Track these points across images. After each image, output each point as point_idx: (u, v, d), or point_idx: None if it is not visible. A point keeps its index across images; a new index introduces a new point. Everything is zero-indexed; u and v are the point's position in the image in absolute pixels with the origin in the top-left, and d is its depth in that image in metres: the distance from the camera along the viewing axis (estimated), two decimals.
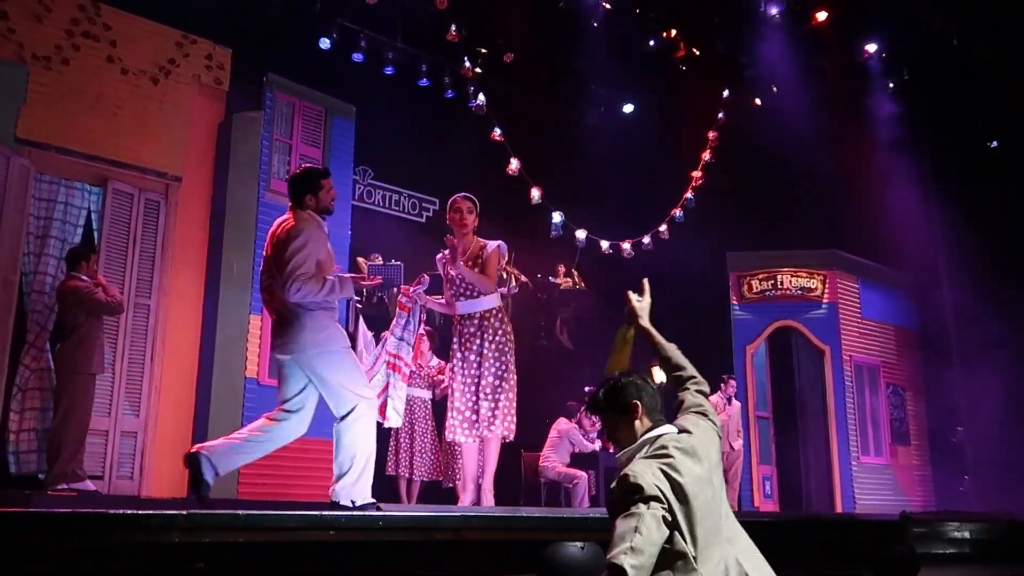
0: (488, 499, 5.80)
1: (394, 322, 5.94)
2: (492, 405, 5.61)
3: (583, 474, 9.03)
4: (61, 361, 6.68)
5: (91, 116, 7.60)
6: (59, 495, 6.15)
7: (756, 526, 4.48)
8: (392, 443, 8.22)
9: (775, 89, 11.55)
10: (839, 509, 10.95)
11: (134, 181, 7.79)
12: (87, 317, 6.61)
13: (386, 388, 5.79)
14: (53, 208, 7.43)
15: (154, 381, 7.66)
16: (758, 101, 11.63)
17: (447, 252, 5.87)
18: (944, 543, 5.80)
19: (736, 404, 10.46)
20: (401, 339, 5.84)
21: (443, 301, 5.92)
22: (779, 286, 11.97)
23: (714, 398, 9.77)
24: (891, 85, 11.57)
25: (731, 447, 10.01)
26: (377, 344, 8.75)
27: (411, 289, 5.85)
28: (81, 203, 7.62)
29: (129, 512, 3.01)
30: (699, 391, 2.80)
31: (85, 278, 6.71)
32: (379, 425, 8.49)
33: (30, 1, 7.40)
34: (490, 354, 5.65)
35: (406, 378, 5.79)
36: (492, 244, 5.82)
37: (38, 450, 6.91)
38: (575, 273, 12.03)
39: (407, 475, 8.09)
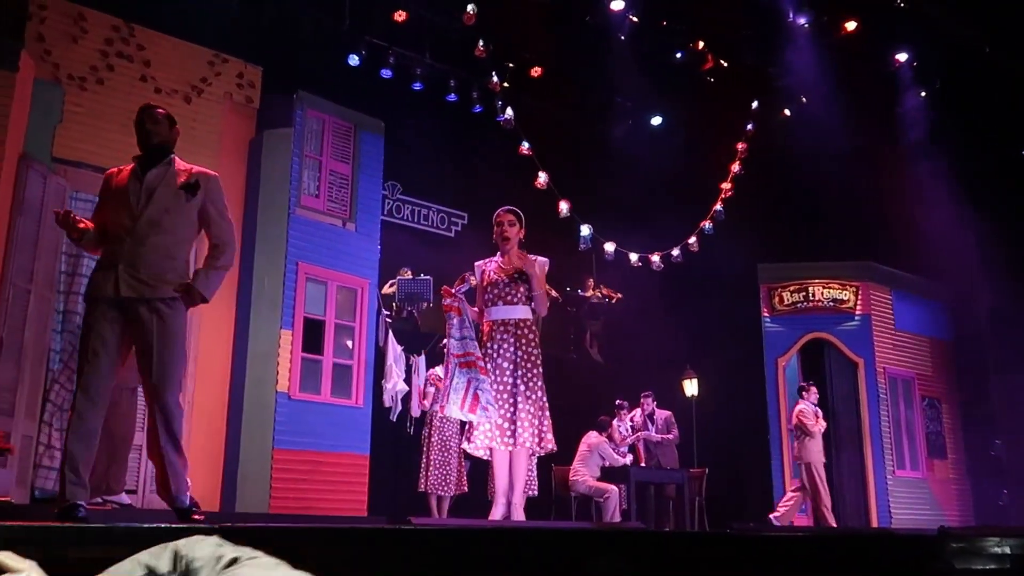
0: (518, 513, 5.76)
1: (448, 327, 5.80)
2: (525, 416, 5.55)
3: (614, 488, 8.97)
4: None
5: (125, 134, 7.69)
6: (96, 509, 6.22)
7: (790, 542, 4.43)
8: (423, 459, 8.23)
9: (804, 100, 11.47)
10: (875, 524, 10.78)
11: None
12: None
13: (468, 387, 5.56)
14: None
15: (186, 395, 7.73)
16: (787, 112, 11.56)
17: (482, 266, 5.84)
18: (984, 559, 5.68)
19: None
20: (463, 338, 5.66)
21: (475, 309, 5.86)
22: (811, 298, 11.85)
23: (804, 407, 9.67)
24: (922, 94, 11.45)
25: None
26: (407, 360, 8.81)
27: (454, 289, 5.78)
28: None
29: (163, 526, 3.03)
30: None
31: None
32: (425, 439, 8.54)
33: (66, 23, 7.56)
34: (523, 363, 5.60)
35: (484, 371, 5.58)
36: (536, 260, 5.73)
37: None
38: (602, 286, 12.01)
39: (438, 492, 8.08)
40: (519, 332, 5.61)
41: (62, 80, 7.45)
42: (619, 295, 12.01)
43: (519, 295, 5.66)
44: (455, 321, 5.66)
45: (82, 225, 4.07)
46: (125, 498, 6.67)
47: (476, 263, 5.98)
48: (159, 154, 4.14)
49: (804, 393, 9.90)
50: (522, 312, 5.65)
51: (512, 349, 5.59)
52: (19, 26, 7.07)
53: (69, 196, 7.41)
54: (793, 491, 9.74)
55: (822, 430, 9.64)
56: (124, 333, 3.94)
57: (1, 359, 6.65)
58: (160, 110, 4.28)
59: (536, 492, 5.94)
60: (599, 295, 12.04)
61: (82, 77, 7.55)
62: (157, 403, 3.90)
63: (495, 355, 5.59)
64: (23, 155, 7.00)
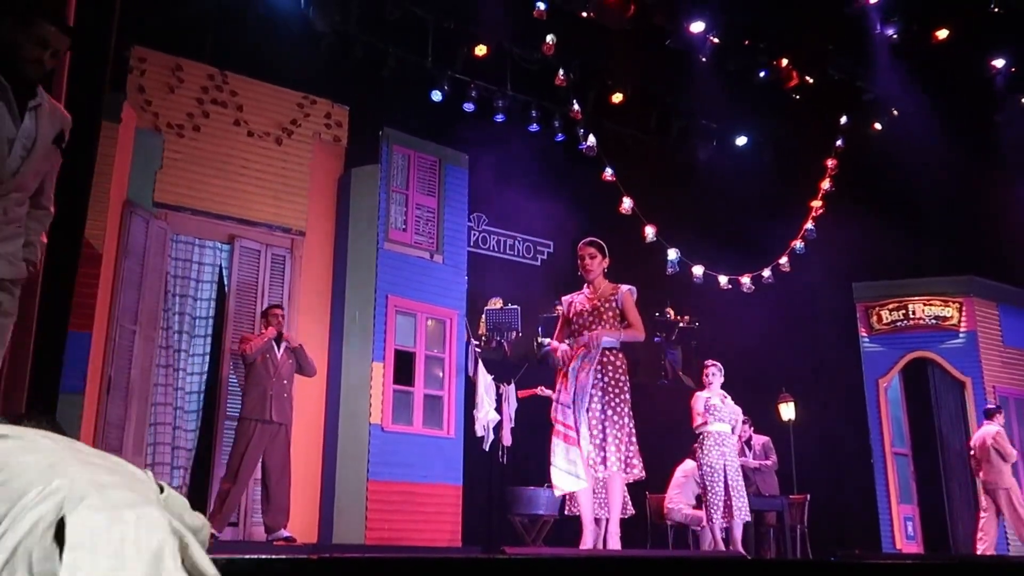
0: (614, 541, 5.70)
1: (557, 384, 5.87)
2: (612, 442, 5.52)
3: None
4: None
5: (220, 178, 8.03)
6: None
7: (898, 569, 4.24)
8: None
9: (895, 112, 11.16)
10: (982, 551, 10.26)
11: (261, 237, 8.15)
12: (248, 367, 7.05)
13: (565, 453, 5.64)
14: (189, 268, 7.85)
15: None
16: (878, 126, 11.26)
17: (569, 299, 5.92)
18: None
19: None
20: (565, 404, 5.73)
21: (565, 348, 5.85)
22: (911, 316, 11.44)
23: (998, 428, 9.25)
24: (1023, 100, 11.01)
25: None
26: (497, 389, 8.83)
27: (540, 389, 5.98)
28: (213, 260, 8.03)
29: (263, 557, 3.09)
30: None
31: (263, 332, 7.17)
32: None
33: (164, 73, 7.93)
34: (611, 390, 5.58)
35: (575, 443, 5.70)
36: (623, 289, 5.77)
37: None
38: (681, 312, 11.87)
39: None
40: (605, 360, 5.60)
41: (161, 128, 7.81)
42: (689, 319, 11.84)
43: (606, 324, 5.65)
44: (561, 385, 5.72)
45: None
46: (284, 532, 6.88)
47: (563, 297, 6.02)
48: None
49: (995, 415, 9.46)
50: (609, 340, 5.64)
51: (600, 376, 5.57)
52: (121, 79, 7.45)
53: (170, 239, 7.73)
54: (985, 516, 9.27)
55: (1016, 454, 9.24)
56: None
57: (110, 397, 6.94)
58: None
59: (632, 511, 6.03)
60: (687, 320, 11.88)
61: (180, 125, 7.89)
62: None
63: (581, 382, 5.59)
64: (127, 201, 7.34)
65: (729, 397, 7.71)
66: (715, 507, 7.36)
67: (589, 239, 5.97)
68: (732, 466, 7.49)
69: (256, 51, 8.41)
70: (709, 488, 7.46)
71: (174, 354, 7.65)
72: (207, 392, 7.83)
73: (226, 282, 8.01)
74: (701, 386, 7.88)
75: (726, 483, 7.39)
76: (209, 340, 7.91)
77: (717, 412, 7.56)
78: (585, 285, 5.89)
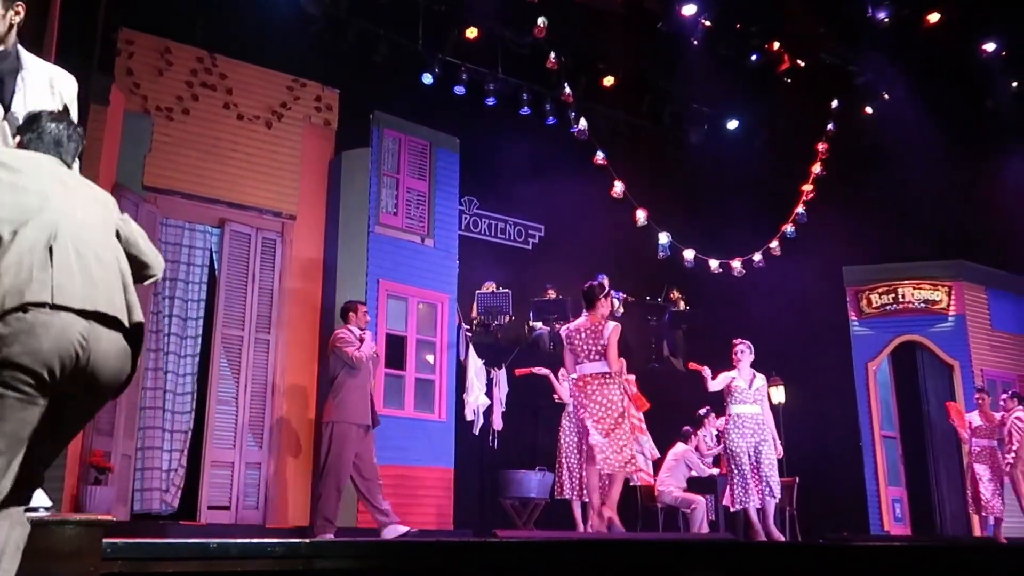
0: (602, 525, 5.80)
1: None
2: (602, 443, 6.03)
3: (701, 499, 8.82)
4: (324, 410, 6.89)
5: (210, 161, 7.99)
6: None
7: (887, 551, 4.28)
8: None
9: (886, 96, 11.16)
10: (977, 533, 10.35)
11: (251, 221, 8.13)
12: (343, 367, 6.75)
13: None
14: (180, 252, 7.83)
15: (275, 413, 7.92)
16: (869, 110, 11.27)
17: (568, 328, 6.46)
18: None
19: None
20: None
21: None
22: (900, 300, 11.49)
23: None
24: (1014, 84, 11.03)
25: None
26: (488, 373, 8.84)
27: None
28: (204, 244, 8.00)
29: (255, 541, 3.11)
30: None
31: (352, 328, 6.89)
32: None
33: (153, 56, 7.87)
34: (597, 411, 6.13)
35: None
36: (609, 326, 6.21)
37: (160, 488, 7.24)
38: (675, 292, 11.89)
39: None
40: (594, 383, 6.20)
41: (151, 111, 7.75)
42: (681, 300, 11.86)
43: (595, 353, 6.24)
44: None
45: None
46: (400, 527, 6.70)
47: (563, 329, 6.61)
48: None
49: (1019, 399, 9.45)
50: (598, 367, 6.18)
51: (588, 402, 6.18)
52: (109, 61, 7.38)
53: (160, 223, 7.69)
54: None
55: None
56: None
57: None
58: None
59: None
60: (681, 304, 11.90)
61: (169, 108, 7.84)
62: None
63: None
64: (116, 185, 7.29)
65: (760, 375, 7.49)
66: (738, 490, 7.31)
67: (588, 283, 6.64)
68: (762, 448, 7.30)
69: (246, 34, 8.35)
70: (732, 471, 7.42)
71: (164, 338, 7.63)
72: (199, 376, 7.81)
73: (216, 266, 7.98)
74: (690, 369, 7.88)
75: (752, 465, 7.28)
76: (200, 324, 7.89)
77: (740, 394, 7.37)
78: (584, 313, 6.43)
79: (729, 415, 7.44)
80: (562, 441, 7.69)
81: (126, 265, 2.39)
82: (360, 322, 6.93)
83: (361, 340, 6.80)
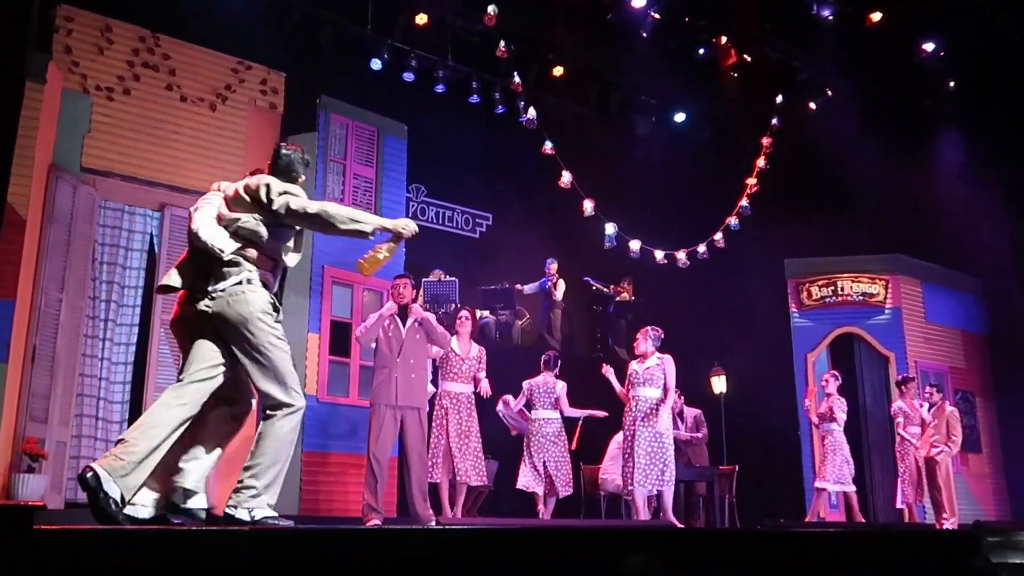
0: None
1: None
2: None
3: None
4: None
5: (152, 143, 7.81)
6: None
7: (822, 539, 4.39)
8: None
9: (829, 93, 11.37)
10: (908, 520, 10.65)
11: (193, 205, 7.96)
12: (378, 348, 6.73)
13: None
14: (119, 235, 7.65)
15: None
16: (812, 105, 11.46)
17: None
18: (1020, 553, 5.60)
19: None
20: None
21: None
22: (839, 292, 11.74)
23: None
24: (951, 84, 11.31)
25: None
26: (434, 362, 8.80)
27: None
28: (143, 228, 7.83)
29: (194, 529, 3.07)
30: None
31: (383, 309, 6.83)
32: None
33: (93, 34, 7.65)
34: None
35: None
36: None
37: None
38: (623, 283, 11.98)
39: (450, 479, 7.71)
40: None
41: (90, 91, 7.55)
42: (625, 290, 11.96)
43: None
44: None
45: None
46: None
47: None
48: None
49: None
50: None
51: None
52: (46, 39, 7.17)
53: (99, 205, 7.51)
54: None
55: None
56: None
57: (35, 367, 6.75)
58: None
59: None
60: (627, 294, 12.00)
61: (109, 88, 7.64)
62: None
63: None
64: (52, 166, 7.10)
65: (654, 357, 7.67)
66: (627, 474, 7.52)
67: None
68: (641, 433, 7.47)
69: (190, 14, 8.15)
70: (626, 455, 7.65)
71: (101, 324, 7.47)
72: (136, 363, 7.65)
73: (156, 251, 7.82)
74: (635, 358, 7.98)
75: (628, 450, 7.53)
76: (138, 310, 7.73)
77: (634, 377, 7.67)
78: None
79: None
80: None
81: None
82: (397, 299, 6.73)
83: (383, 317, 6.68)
